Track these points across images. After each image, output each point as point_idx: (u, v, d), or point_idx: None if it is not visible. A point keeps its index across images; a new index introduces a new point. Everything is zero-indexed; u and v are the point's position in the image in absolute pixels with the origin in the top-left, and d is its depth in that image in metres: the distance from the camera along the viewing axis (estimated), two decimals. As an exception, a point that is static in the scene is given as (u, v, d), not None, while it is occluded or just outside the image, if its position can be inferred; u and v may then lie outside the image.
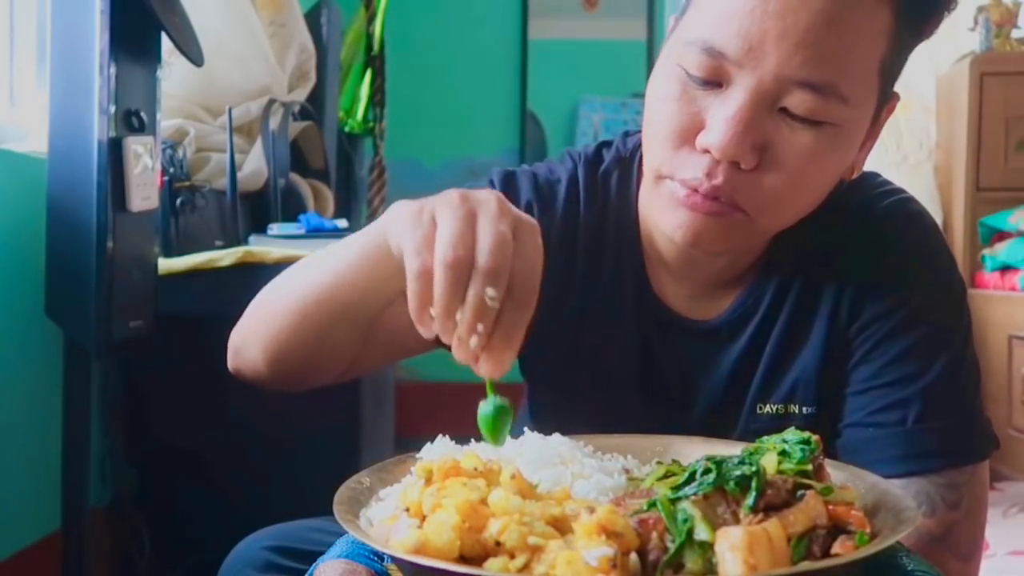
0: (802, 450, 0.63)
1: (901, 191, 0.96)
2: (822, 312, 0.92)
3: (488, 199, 0.70)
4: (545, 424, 0.79)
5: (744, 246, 0.91)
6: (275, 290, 0.91)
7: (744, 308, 0.94)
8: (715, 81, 0.81)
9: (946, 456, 0.87)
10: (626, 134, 1.03)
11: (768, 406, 0.93)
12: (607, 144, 1.02)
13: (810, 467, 0.62)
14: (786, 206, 0.85)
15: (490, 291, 0.66)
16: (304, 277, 0.88)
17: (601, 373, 0.96)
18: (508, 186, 0.98)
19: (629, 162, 1.00)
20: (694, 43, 0.81)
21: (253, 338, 0.92)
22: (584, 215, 0.97)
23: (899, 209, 0.94)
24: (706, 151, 0.81)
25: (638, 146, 0.99)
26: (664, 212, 0.86)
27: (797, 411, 0.92)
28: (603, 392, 0.95)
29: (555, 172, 1.00)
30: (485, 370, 0.68)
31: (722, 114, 0.80)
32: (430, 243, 0.67)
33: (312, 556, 0.75)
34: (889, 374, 0.89)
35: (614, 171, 0.99)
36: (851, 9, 0.78)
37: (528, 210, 0.95)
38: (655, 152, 0.86)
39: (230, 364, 0.96)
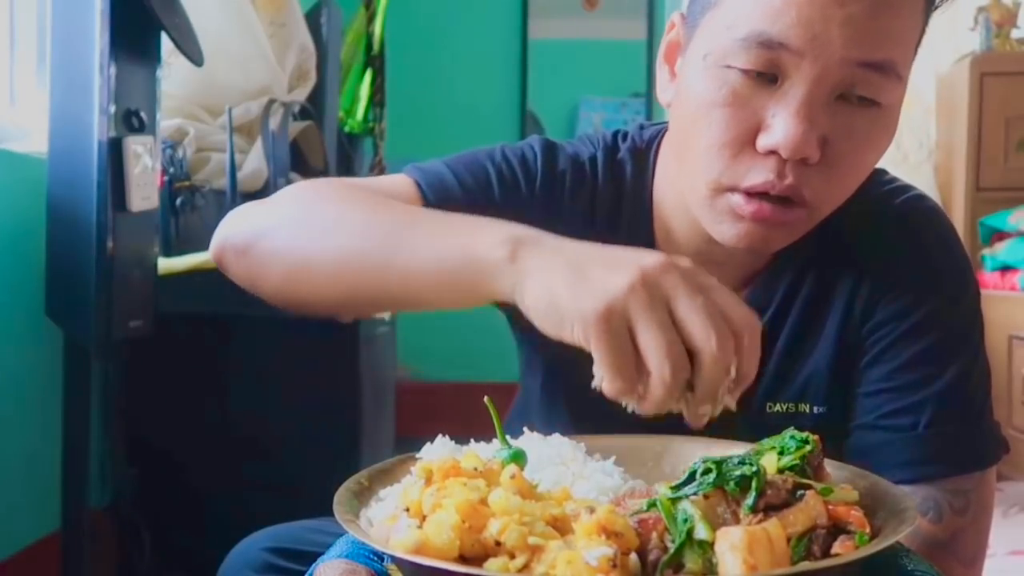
0: (797, 445, 0.63)
1: (912, 187, 0.95)
2: (835, 309, 0.90)
3: (664, 269, 0.63)
4: (551, 419, 0.78)
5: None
6: (320, 239, 0.80)
7: (756, 306, 0.92)
8: (770, 76, 0.79)
9: (956, 463, 0.86)
10: (641, 126, 1.01)
11: (778, 405, 0.91)
12: (623, 135, 1.00)
13: (800, 460, 0.62)
14: (844, 194, 0.85)
15: (727, 381, 0.63)
16: (362, 256, 0.77)
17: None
18: (549, 154, 0.96)
19: (645, 154, 0.97)
20: (747, 38, 0.78)
21: (276, 271, 0.82)
22: (600, 202, 0.96)
23: (915, 207, 0.93)
24: (771, 152, 0.79)
25: (654, 138, 0.98)
26: (722, 224, 0.84)
27: (807, 410, 0.91)
28: (606, 404, 0.90)
29: (580, 153, 0.98)
30: (699, 423, 0.65)
31: (785, 111, 0.78)
32: (631, 368, 0.62)
33: (311, 557, 0.75)
34: (902, 377, 0.87)
35: (628, 162, 0.97)
36: None
37: (561, 180, 0.95)
38: (710, 163, 0.82)
39: (217, 256, 0.87)
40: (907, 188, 0.95)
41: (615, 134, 1.00)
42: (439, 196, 0.90)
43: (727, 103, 0.80)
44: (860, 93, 0.79)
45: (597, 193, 0.96)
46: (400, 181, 0.92)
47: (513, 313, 0.85)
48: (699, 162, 0.83)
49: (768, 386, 0.91)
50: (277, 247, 0.82)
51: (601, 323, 0.62)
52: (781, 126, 0.78)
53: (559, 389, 0.97)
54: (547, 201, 0.94)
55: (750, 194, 0.81)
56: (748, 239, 0.83)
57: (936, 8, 0.84)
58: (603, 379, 0.63)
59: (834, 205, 0.85)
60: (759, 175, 0.80)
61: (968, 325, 0.90)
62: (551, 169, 0.95)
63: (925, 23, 0.83)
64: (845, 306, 0.90)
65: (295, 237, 0.81)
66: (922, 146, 3.80)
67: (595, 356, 0.63)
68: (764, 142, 0.79)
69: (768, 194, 0.80)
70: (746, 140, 0.80)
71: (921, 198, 0.94)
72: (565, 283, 0.64)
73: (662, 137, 0.98)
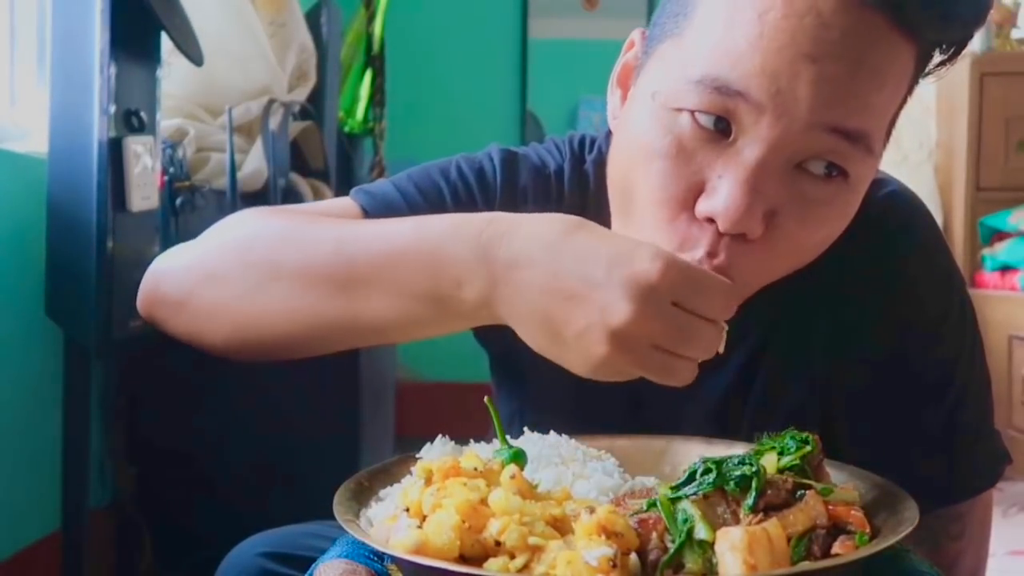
0: (797, 445, 0.63)
1: (891, 181, 0.88)
2: (817, 333, 0.84)
3: (646, 322, 0.62)
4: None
5: None
6: (267, 282, 0.73)
7: (730, 335, 0.88)
8: (723, 131, 0.69)
9: (953, 492, 0.83)
10: (610, 132, 0.90)
11: (765, 436, 0.86)
12: (591, 143, 0.93)
13: (800, 460, 0.62)
14: (782, 272, 0.75)
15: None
16: (332, 294, 0.71)
17: (578, 407, 0.86)
18: (509, 167, 0.89)
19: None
20: (701, 81, 0.69)
21: (222, 323, 0.76)
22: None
23: (892, 206, 0.85)
24: (709, 219, 0.70)
25: None
26: None
27: None
28: (582, 426, 0.80)
29: (546, 163, 0.91)
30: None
31: (733, 175, 0.68)
32: (671, 363, 0.64)
33: (307, 562, 0.75)
34: (893, 408, 0.83)
35: (592, 174, 0.90)
36: (885, 55, 0.70)
37: (523, 196, 0.87)
38: (644, 219, 0.73)
39: (147, 313, 0.81)
40: (884, 182, 0.87)
41: (581, 142, 0.93)
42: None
43: (670, 154, 0.70)
44: (816, 168, 0.70)
45: (563, 208, 0.86)
46: (345, 206, 0.86)
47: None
48: (639, 218, 0.74)
49: (753, 417, 0.86)
50: (217, 298, 0.76)
51: (602, 373, 0.64)
52: (724, 192, 0.69)
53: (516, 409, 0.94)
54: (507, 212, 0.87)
55: None
56: None
57: (926, 76, 0.77)
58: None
59: (774, 278, 0.76)
60: (690, 244, 0.71)
61: (958, 342, 0.85)
62: (511, 185, 0.88)
63: (910, 93, 0.76)
64: (826, 330, 0.84)
65: (239, 283, 0.74)
66: (922, 146, 3.80)
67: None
68: (703, 207, 0.70)
69: None
70: (686, 201, 0.71)
71: (897, 195, 0.86)
72: (551, 334, 0.65)
73: None
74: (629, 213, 0.76)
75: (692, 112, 0.70)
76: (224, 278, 0.75)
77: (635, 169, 0.73)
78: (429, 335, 0.72)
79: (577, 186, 0.89)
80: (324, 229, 0.74)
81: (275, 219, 0.77)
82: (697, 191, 0.71)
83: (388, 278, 0.69)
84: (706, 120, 0.70)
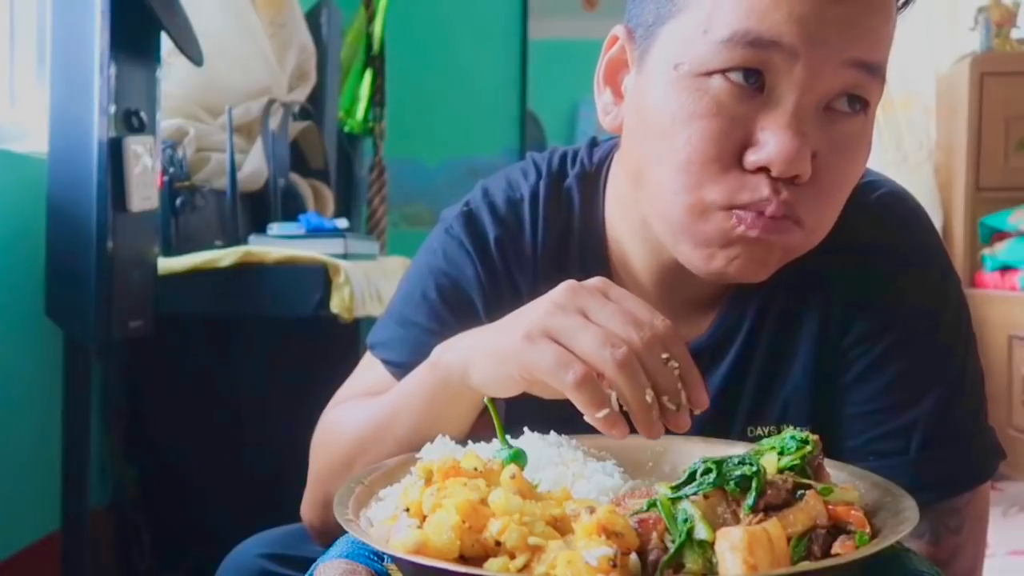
0: (797, 445, 0.63)
1: (887, 182, 0.89)
2: (810, 325, 0.85)
3: (572, 290, 0.70)
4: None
5: None
6: (349, 448, 0.88)
7: (725, 328, 0.87)
8: (755, 84, 0.72)
9: (950, 486, 0.83)
10: (593, 143, 0.94)
11: (760, 429, 0.87)
12: (573, 157, 0.93)
13: (800, 460, 0.62)
14: (834, 213, 0.78)
15: (664, 355, 0.66)
16: (385, 433, 0.85)
17: (572, 408, 0.90)
18: (471, 229, 0.90)
19: (595, 177, 0.91)
20: (731, 38, 0.71)
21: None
22: (545, 236, 0.90)
23: (889, 206, 0.86)
24: (760, 169, 0.73)
25: (605, 157, 0.92)
26: (707, 250, 0.76)
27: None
28: (576, 427, 0.80)
29: (517, 188, 0.92)
30: (685, 423, 0.68)
31: (775, 124, 0.72)
32: (567, 357, 0.66)
33: (307, 563, 0.75)
34: (887, 398, 0.83)
35: (576, 190, 0.91)
36: None
37: (499, 247, 0.89)
38: (693, 180, 0.74)
39: (320, 533, 0.91)
40: (881, 183, 0.88)
41: (563, 157, 0.94)
42: (409, 365, 0.87)
43: (710, 114, 0.73)
44: (854, 93, 0.74)
45: (539, 231, 0.90)
46: (376, 370, 0.93)
47: None
48: (676, 181, 0.76)
49: (748, 409, 0.87)
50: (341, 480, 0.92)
51: (525, 345, 0.68)
52: (772, 140, 0.72)
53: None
54: (492, 278, 0.90)
55: (746, 211, 0.74)
56: (738, 265, 0.76)
57: (900, 11, 0.79)
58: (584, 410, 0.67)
59: (827, 227, 0.78)
60: (750, 192, 0.73)
61: (951, 335, 0.85)
62: (482, 245, 0.90)
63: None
64: (820, 322, 0.85)
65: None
66: (922, 146, 3.80)
67: (540, 376, 0.68)
68: (754, 158, 0.73)
69: (762, 215, 0.74)
70: (733, 156, 0.74)
71: (893, 194, 0.88)
72: (493, 346, 0.72)
73: (613, 156, 0.91)
74: (661, 183, 0.77)
75: (724, 72, 0.73)
76: (331, 467, 0.90)
77: (670, 138, 0.75)
78: (445, 412, 0.81)
79: (556, 206, 0.91)
80: (376, 418, 0.87)
81: (343, 436, 0.90)
82: (743, 145, 0.74)
83: (424, 396, 0.82)
84: (738, 76, 0.73)
